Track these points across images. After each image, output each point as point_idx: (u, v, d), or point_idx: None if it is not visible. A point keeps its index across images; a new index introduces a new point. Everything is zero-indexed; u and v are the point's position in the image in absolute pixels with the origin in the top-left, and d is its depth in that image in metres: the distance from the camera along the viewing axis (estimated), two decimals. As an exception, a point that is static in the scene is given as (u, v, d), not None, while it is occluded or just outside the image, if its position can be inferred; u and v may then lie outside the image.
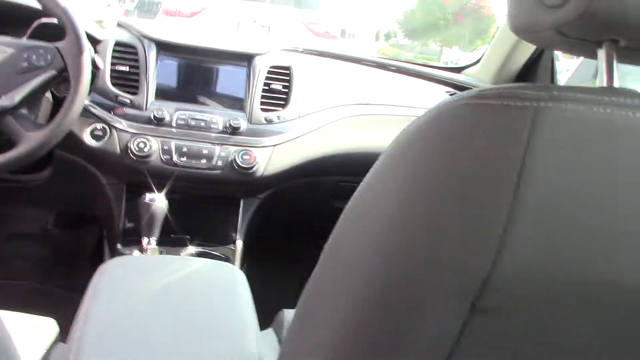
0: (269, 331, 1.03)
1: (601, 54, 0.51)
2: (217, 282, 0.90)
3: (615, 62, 0.51)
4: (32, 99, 1.22)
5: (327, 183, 1.59)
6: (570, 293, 0.43)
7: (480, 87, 0.46)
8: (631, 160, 0.41)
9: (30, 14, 1.36)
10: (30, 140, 1.15)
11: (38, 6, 1.22)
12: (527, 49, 1.55)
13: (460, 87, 1.68)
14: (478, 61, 1.77)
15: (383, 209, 0.48)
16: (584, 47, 0.54)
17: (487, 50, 1.72)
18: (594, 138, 0.40)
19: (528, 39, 0.61)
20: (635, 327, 0.46)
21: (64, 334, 0.97)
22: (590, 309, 0.45)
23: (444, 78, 1.73)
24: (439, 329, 0.45)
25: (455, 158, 0.43)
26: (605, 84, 0.51)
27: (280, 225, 1.76)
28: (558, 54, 1.60)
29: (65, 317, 0.99)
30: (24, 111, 1.20)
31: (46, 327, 0.93)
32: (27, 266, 1.76)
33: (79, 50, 1.18)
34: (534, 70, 1.57)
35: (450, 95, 1.59)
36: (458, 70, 1.85)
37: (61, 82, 1.25)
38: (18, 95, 1.16)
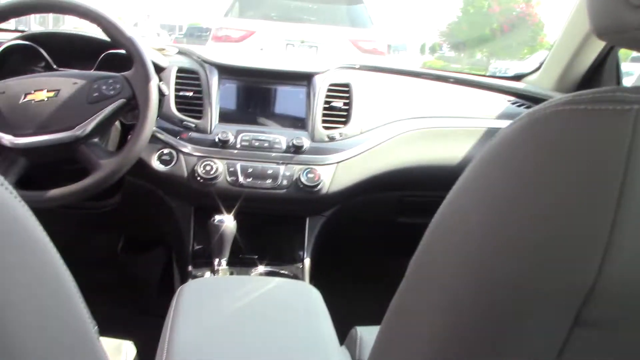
0: (342, 348, 1.03)
1: None
2: (295, 300, 0.91)
3: None
4: (103, 128, 1.27)
5: (391, 198, 1.59)
6: None
7: (553, 97, 0.45)
8: None
9: (98, 46, 1.41)
10: (104, 167, 1.19)
11: (105, 38, 1.27)
12: (591, 54, 1.51)
13: (521, 96, 1.66)
14: (538, 69, 1.74)
15: (474, 222, 0.47)
16: None
17: (547, 57, 1.69)
18: None
19: (613, 42, 0.59)
20: None
21: (142, 357, 0.99)
22: None
23: (505, 87, 1.71)
24: (541, 342, 0.44)
25: (552, 167, 0.42)
26: None
27: (346, 242, 1.76)
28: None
29: (142, 340, 1.01)
30: (96, 140, 1.25)
31: (125, 349, 0.95)
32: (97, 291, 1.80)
33: (147, 79, 1.21)
34: (598, 75, 1.54)
35: (513, 104, 1.58)
36: (517, 78, 1.82)
37: (130, 110, 1.29)
38: (90, 125, 1.20)
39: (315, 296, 0.93)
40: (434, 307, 0.50)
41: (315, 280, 1.50)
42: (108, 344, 0.95)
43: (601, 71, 1.52)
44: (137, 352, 0.97)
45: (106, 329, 1.08)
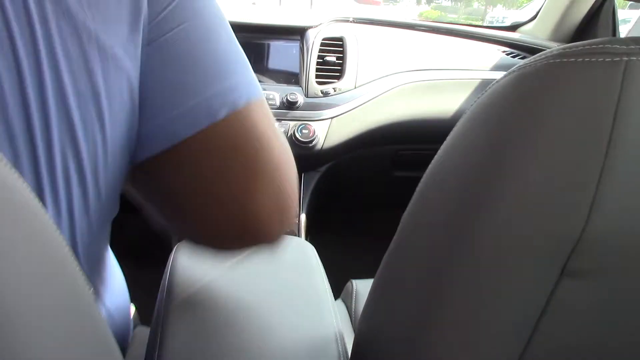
0: (338, 302, 1.04)
1: None
2: (289, 256, 0.91)
3: None
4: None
5: (387, 152, 1.59)
6: None
7: (553, 47, 0.44)
8: None
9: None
10: None
11: None
12: (587, 2, 1.49)
13: (516, 46, 1.64)
14: (533, 18, 1.72)
15: (462, 176, 0.47)
16: None
17: (542, 6, 1.66)
18: None
19: None
20: None
21: (142, 314, 1.00)
22: None
23: (499, 37, 1.69)
24: (528, 292, 0.44)
25: (543, 118, 0.42)
26: None
27: (343, 197, 1.77)
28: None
29: (142, 301, 1.02)
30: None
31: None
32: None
33: None
34: (594, 24, 1.52)
35: (508, 55, 1.57)
36: (513, 28, 1.80)
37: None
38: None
39: (309, 251, 0.94)
40: (422, 258, 0.51)
41: (311, 236, 1.50)
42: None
43: (596, 20, 1.50)
44: (136, 309, 0.98)
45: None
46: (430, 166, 0.53)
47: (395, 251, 0.56)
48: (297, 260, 0.92)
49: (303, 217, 1.45)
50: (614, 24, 1.48)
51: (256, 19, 1.51)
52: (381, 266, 0.59)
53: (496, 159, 0.44)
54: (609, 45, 0.40)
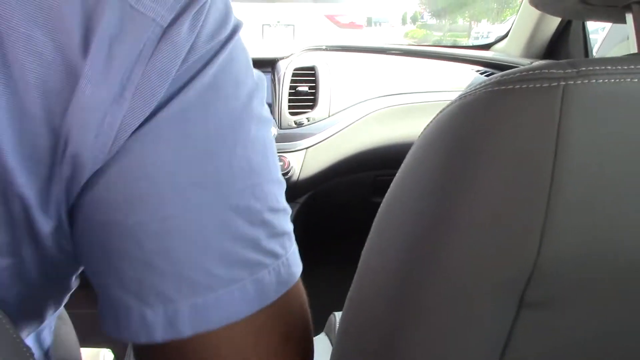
0: (321, 336, 1.02)
1: (630, 18, 0.48)
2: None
3: None
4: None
5: (365, 179, 1.58)
6: (617, 275, 0.42)
7: (515, 68, 0.44)
8: None
9: None
10: None
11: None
12: (555, 18, 1.49)
13: (490, 65, 1.64)
14: (506, 35, 1.72)
15: (416, 203, 0.46)
16: (612, 13, 0.51)
17: (513, 24, 1.67)
18: (629, 111, 0.38)
19: (551, 12, 0.58)
20: None
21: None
22: None
23: (472, 57, 1.69)
24: (490, 324, 0.43)
25: (486, 149, 0.42)
26: (637, 50, 0.48)
27: (323, 227, 1.75)
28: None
29: (120, 345, 1.00)
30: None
31: (103, 356, 0.94)
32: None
33: None
34: (564, 40, 1.52)
35: (482, 74, 1.57)
36: (486, 47, 1.80)
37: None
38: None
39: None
40: (381, 294, 0.50)
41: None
42: (86, 353, 0.94)
43: (567, 36, 1.50)
44: (115, 358, 0.97)
45: (87, 336, 1.08)
46: (385, 197, 0.52)
47: (358, 283, 0.55)
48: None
49: None
50: (585, 40, 1.48)
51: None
52: (347, 298, 0.58)
53: (445, 193, 0.44)
54: (546, 71, 0.40)
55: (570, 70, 0.39)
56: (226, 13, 0.37)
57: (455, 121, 0.44)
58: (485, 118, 0.42)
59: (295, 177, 1.39)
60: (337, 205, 1.66)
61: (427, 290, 0.44)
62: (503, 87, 0.41)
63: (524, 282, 0.40)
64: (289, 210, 0.42)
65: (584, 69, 0.39)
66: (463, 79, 1.60)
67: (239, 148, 0.36)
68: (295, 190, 1.45)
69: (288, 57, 1.50)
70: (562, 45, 1.53)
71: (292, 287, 0.41)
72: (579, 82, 0.38)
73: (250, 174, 0.37)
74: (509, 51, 1.68)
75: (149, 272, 0.34)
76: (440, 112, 0.46)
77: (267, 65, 1.48)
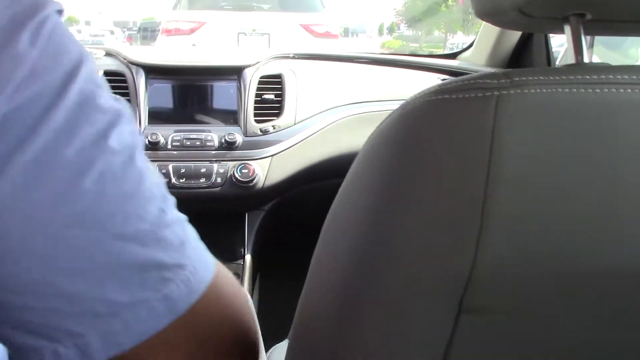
0: (285, 342, 1.02)
1: (567, 29, 0.49)
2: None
3: (583, 37, 0.49)
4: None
5: (332, 186, 1.57)
6: (552, 284, 0.42)
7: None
8: (602, 139, 0.39)
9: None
10: None
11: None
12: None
13: (455, 73, 1.66)
14: (472, 44, 1.74)
15: (359, 212, 0.47)
16: (551, 24, 0.52)
17: (478, 33, 1.69)
18: (561, 121, 0.39)
19: (494, 23, 0.59)
20: (624, 313, 0.44)
21: None
22: (576, 299, 0.43)
23: (438, 65, 1.71)
24: (429, 330, 0.44)
25: (424, 156, 0.42)
26: (574, 61, 0.49)
27: (290, 235, 1.75)
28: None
29: None
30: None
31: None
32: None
33: None
34: (528, 49, 1.54)
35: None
36: (453, 56, 1.82)
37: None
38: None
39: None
40: (328, 298, 0.50)
41: (260, 276, 1.48)
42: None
43: (530, 44, 1.52)
44: None
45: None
46: (332, 206, 0.52)
47: (305, 293, 0.55)
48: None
49: (248, 257, 1.43)
50: (547, 50, 1.50)
51: (192, 60, 1.50)
52: (299, 301, 0.58)
53: (386, 200, 0.44)
54: (481, 81, 0.41)
55: (504, 81, 0.40)
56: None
57: (395, 130, 0.44)
58: (424, 127, 0.42)
59: (260, 185, 1.39)
60: (304, 213, 1.66)
61: (370, 292, 0.44)
62: (440, 97, 0.42)
63: (462, 287, 0.41)
64: (183, 218, 0.41)
65: (517, 79, 0.40)
66: (428, 87, 1.61)
67: (107, 183, 0.35)
68: (260, 197, 1.45)
69: (254, 64, 1.50)
70: (526, 54, 1.55)
71: (207, 290, 0.40)
72: (512, 92, 0.39)
73: (128, 200, 0.36)
74: (474, 60, 1.70)
75: (51, 315, 0.34)
76: (383, 121, 0.46)
77: (232, 73, 1.48)
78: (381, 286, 0.43)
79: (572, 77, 0.40)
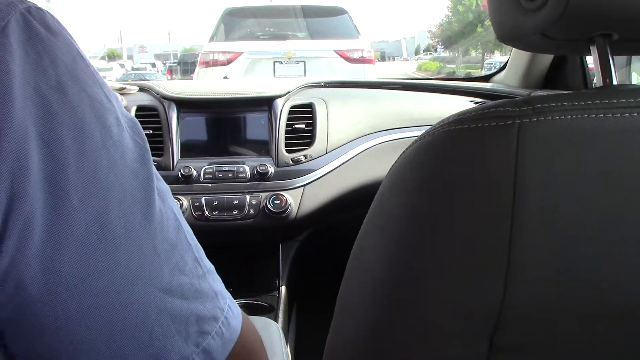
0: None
1: (594, 51, 0.48)
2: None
3: (611, 57, 0.47)
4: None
5: (365, 215, 1.56)
6: (584, 316, 0.41)
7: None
8: (630, 165, 0.38)
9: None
10: None
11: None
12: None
13: (488, 96, 1.63)
14: (504, 67, 1.71)
15: (386, 244, 0.46)
16: (576, 46, 0.51)
17: (511, 54, 1.66)
18: (587, 148, 0.38)
19: (516, 46, 0.58)
20: None
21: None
22: (610, 329, 0.41)
23: (471, 89, 1.68)
24: None
25: (444, 191, 0.41)
26: (601, 83, 0.48)
27: (325, 266, 1.74)
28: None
29: None
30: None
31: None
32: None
33: None
34: (562, 67, 1.50)
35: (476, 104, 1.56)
36: (486, 78, 1.80)
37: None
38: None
39: (272, 332, 0.91)
40: (358, 333, 0.49)
41: (297, 308, 1.46)
42: None
43: (564, 64, 1.49)
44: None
45: None
46: (358, 236, 0.52)
47: (335, 320, 0.55)
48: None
49: (283, 289, 1.41)
50: (583, 69, 1.46)
51: (222, 93, 1.51)
52: (327, 340, 0.57)
53: (410, 235, 0.43)
54: (502, 109, 0.40)
55: (525, 108, 0.39)
56: None
57: (415, 162, 0.44)
58: (443, 158, 0.41)
59: (293, 215, 1.38)
60: (338, 242, 1.64)
61: (402, 328, 0.44)
62: (459, 127, 0.41)
63: (492, 325, 0.40)
64: (212, 268, 0.42)
65: (539, 106, 0.39)
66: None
67: (158, 231, 0.35)
68: (294, 228, 1.43)
69: (285, 94, 1.50)
70: (561, 74, 1.51)
71: (238, 340, 0.41)
72: (535, 119, 0.38)
73: (173, 251, 0.36)
74: (508, 82, 1.67)
75: None
76: (403, 152, 0.45)
77: (263, 103, 1.49)
78: (414, 317, 0.43)
79: (598, 102, 0.39)
